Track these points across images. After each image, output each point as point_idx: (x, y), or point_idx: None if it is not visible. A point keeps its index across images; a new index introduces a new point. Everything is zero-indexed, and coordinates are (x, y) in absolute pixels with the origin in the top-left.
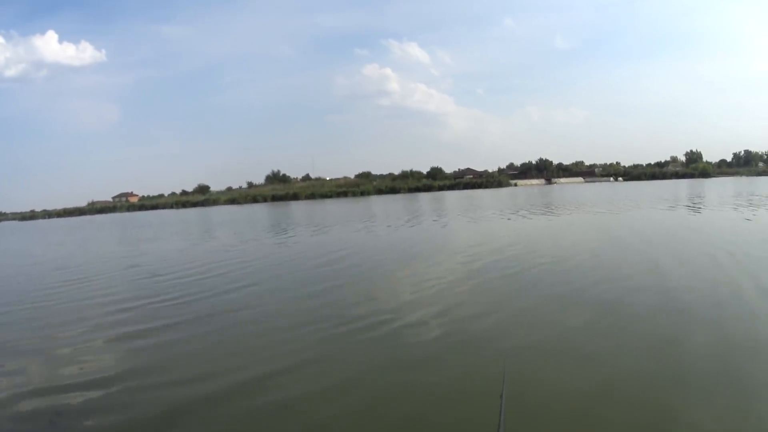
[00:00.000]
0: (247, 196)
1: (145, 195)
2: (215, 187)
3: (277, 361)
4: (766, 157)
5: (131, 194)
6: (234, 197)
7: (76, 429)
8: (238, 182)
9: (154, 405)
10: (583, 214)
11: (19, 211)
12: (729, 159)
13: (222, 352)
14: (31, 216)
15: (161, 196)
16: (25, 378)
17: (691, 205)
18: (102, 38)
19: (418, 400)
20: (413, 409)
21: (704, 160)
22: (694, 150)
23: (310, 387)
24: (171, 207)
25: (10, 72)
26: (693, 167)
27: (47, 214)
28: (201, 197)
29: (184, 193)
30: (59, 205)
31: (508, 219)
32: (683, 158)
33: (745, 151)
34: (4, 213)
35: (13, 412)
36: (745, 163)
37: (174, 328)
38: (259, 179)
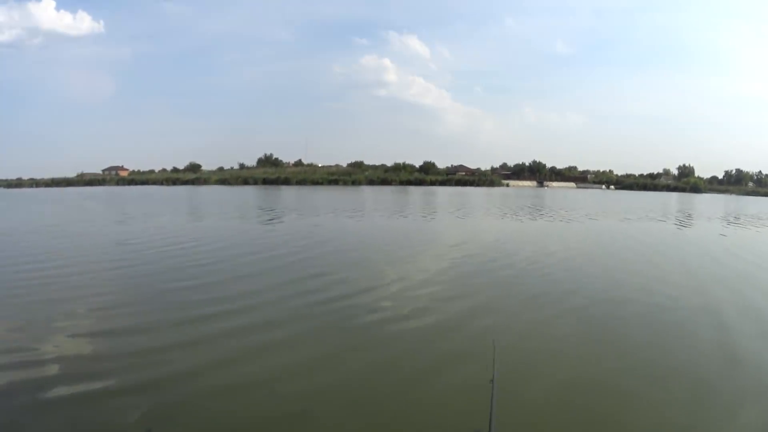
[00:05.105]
0: (239, 177)
1: (135, 170)
2: (207, 166)
3: (260, 339)
4: (756, 177)
5: (121, 168)
6: (225, 177)
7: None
8: (230, 163)
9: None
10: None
11: (4, 178)
12: (720, 176)
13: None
14: (18, 184)
15: (152, 171)
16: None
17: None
18: (101, 9)
19: (410, 386)
20: (403, 393)
21: (696, 175)
22: (686, 164)
23: (292, 365)
24: (161, 183)
25: (3, 37)
26: (684, 181)
27: (34, 183)
28: (192, 175)
29: (175, 170)
30: (47, 175)
31: (509, 218)
32: (675, 171)
33: (736, 169)
34: None
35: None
36: (736, 182)
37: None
38: (251, 161)
